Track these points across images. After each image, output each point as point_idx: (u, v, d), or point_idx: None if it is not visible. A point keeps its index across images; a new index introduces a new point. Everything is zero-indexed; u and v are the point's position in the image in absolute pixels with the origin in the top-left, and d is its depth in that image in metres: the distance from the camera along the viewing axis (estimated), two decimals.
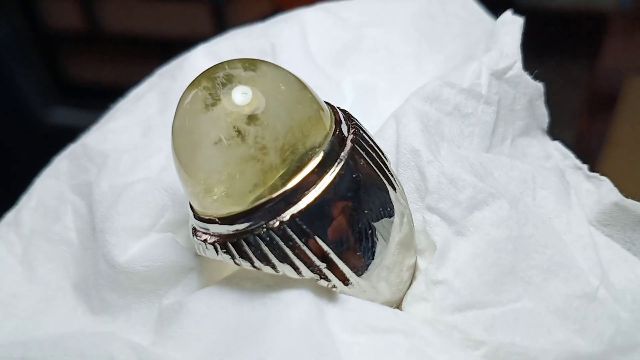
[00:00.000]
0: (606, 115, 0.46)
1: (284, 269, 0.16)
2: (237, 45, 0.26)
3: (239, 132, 0.16)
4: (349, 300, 0.17)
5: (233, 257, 0.17)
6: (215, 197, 0.16)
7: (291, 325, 0.16)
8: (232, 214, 0.16)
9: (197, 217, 0.17)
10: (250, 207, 0.16)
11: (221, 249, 0.17)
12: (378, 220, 0.17)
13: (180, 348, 0.17)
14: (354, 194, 0.17)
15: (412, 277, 0.19)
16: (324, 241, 0.16)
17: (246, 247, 0.16)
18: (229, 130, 0.16)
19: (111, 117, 0.25)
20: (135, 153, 0.23)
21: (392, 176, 0.18)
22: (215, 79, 0.16)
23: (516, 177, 0.20)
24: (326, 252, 0.16)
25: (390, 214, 0.17)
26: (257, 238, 0.16)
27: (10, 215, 0.24)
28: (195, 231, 0.18)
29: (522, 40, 0.24)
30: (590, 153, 0.54)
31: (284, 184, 0.16)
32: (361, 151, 0.17)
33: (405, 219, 0.18)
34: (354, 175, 0.17)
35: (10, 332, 0.21)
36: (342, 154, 0.17)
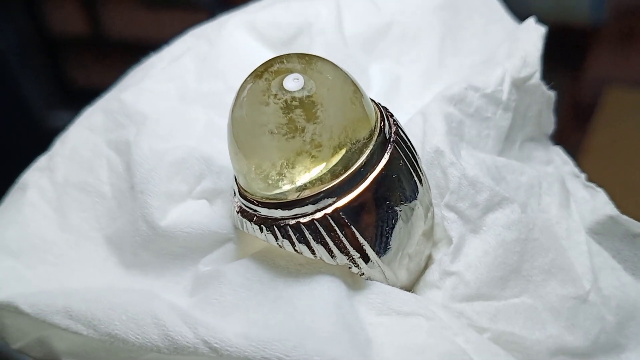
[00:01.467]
0: (584, 125, 0.48)
1: (322, 254, 0.18)
2: (276, 19, 0.26)
3: (296, 127, 0.17)
4: (373, 285, 0.19)
5: (276, 238, 0.18)
6: (266, 183, 0.17)
7: (327, 306, 0.18)
8: (281, 201, 0.18)
9: (245, 197, 0.18)
10: (298, 197, 0.17)
11: (266, 230, 0.18)
12: (408, 215, 0.19)
13: (219, 315, 0.18)
14: (392, 192, 0.18)
15: (425, 266, 0.21)
16: (361, 234, 0.18)
17: (290, 232, 0.18)
18: (286, 122, 0.17)
19: (146, 75, 0.25)
20: (173, 118, 0.23)
21: (422, 174, 0.19)
22: (272, 72, 0.18)
23: (525, 182, 0.22)
24: (361, 243, 0.18)
25: (419, 209, 0.19)
26: (302, 225, 0.18)
27: (42, 160, 0.24)
28: (240, 209, 0.19)
29: None
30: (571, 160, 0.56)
31: (332, 179, 0.17)
32: (400, 151, 0.19)
33: (429, 214, 0.20)
34: (393, 176, 0.18)
35: (44, 278, 0.21)
36: (386, 154, 0.18)
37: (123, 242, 0.21)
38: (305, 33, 0.25)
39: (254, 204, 0.18)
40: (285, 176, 0.17)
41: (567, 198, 0.23)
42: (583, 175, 0.25)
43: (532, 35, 0.24)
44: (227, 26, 0.26)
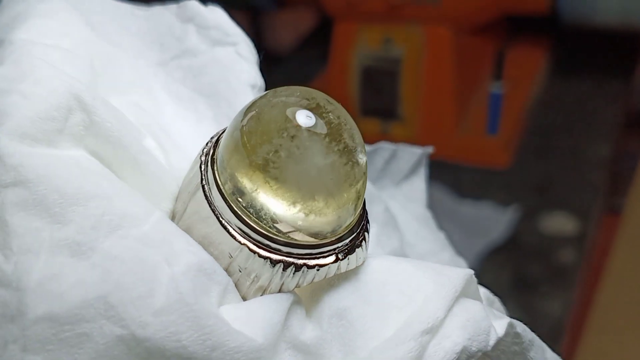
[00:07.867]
0: None
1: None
2: (36, 114, 0.19)
3: (354, 161, 0.18)
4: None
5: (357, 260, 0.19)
6: (341, 220, 0.18)
7: (408, 281, 0.19)
8: (347, 228, 0.19)
9: (312, 245, 0.18)
10: (357, 220, 0.19)
11: (343, 257, 0.19)
12: None
13: (380, 326, 0.18)
14: None
15: None
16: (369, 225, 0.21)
17: (357, 250, 0.19)
18: (342, 160, 0.18)
19: None
20: (73, 266, 0.17)
21: None
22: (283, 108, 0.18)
23: None
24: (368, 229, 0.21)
25: None
26: (364, 241, 0.19)
27: None
28: (297, 267, 0.18)
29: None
30: (626, 167, 0.55)
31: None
32: None
33: None
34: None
35: None
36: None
37: None
38: (75, 107, 0.20)
39: (330, 244, 0.18)
40: (356, 207, 0.19)
41: None
42: None
43: (218, 15, 0.25)
44: (5, 159, 0.18)
